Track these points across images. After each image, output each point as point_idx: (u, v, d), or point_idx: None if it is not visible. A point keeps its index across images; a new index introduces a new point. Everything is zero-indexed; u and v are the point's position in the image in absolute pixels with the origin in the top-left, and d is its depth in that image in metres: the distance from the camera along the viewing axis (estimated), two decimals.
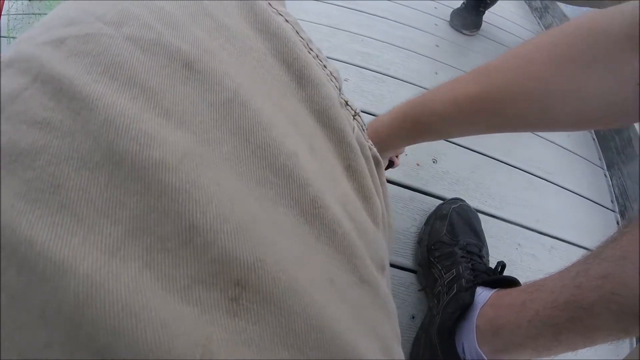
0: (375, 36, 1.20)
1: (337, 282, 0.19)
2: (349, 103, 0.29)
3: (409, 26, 1.30)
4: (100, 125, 0.17)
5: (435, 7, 1.45)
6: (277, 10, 0.27)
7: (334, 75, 0.28)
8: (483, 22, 1.39)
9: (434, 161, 0.91)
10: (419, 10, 1.39)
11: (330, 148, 0.25)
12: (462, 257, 0.64)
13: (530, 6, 1.69)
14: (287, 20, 0.27)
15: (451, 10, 1.41)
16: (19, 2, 1.10)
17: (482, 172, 0.92)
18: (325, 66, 0.28)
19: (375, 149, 0.31)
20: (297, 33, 0.27)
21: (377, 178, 0.29)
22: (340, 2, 1.27)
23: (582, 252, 0.85)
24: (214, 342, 0.15)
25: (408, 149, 0.91)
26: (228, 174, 0.18)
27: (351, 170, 0.25)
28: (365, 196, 0.25)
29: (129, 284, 0.14)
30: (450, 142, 0.96)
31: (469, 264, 0.62)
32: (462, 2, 1.39)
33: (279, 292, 0.16)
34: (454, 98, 0.45)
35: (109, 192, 0.16)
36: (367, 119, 0.97)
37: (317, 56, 0.28)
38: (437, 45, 1.26)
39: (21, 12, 1.10)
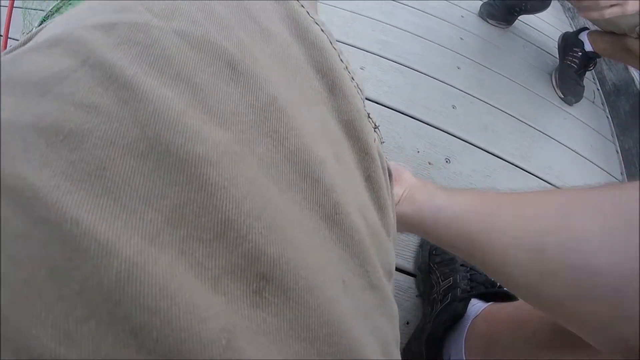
0: (397, 24, 1.15)
1: (348, 284, 0.20)
2: (370, 116, 0.31)
3: (434, 16, 1.24)
4: (148, 116, 0.18)
5: None
6: (314, 19, 0.28)
7: (360, 87, 0.29)
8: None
9: (447, 161, 0.87)
10: (446, 0, 1.33)
11: (353, 158, 0.25)
12: (462, 265, 0.62)
13: (563, 6, 1.60)
14: (322, 30, 0.28)
15: (481, 2, 1.34)
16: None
17: (497, 176, 0.88)
18: (353, 78, 0.29)
19: (388, 162, 0.32)
20: (331, 43, 0.28)
21: (390, 190, 0.30)
22: None
23: None
24: (238, 330, 0.15)
25: (421, 146, 0.87)
26: (261, 174, 0.19)
27: (370, 180, 0.26)
28: (380, 206, 0.26)
29: (166, 269, 0.15)
30: (465, 141, 0.92)
31: (467, 274, 0.60)
32: None
33: (299, 289, 0.17)
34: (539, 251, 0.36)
35: (152, 181, 0.17)
36: (379, 110, 0.97)
37: (347, 67, 0.29)
38: (461, 39, 1.20)
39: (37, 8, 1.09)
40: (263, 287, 0.17)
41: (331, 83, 0.26)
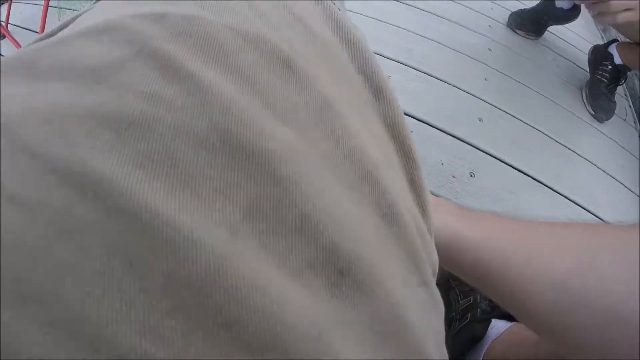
0: (424, 33, 1.13)
1: (407, 281, 0.20)
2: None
3: (461, 25, 1.22)
4: (217, 110, 0.17)
5: (492, 8, 1.36)
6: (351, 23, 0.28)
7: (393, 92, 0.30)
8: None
9: (472, 175, 0.84)
10: (473, 10, 1.30)
11: (398, 161, 0.26)
12: None
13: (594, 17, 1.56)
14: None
15: (509, 12, 1.31)
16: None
17: (523, 194, 0.85)
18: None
19: None
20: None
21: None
22: None
23: None
24: (325, 322, 0.15)
25: (446, 158, 0.85)
26: (327, 173, 0.19)
27: (414, 184, 0.26)
28: (423, 209, 0.26)
29: (251, 262, 0.15)
30: (491, 155, 0.89)
31: None
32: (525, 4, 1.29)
33: (371, 283, 0.17)
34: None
35: (227, 173, 0.16)
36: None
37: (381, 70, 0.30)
38: (489, 49, 1.17)
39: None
40: (341, 281, 0.17)
41: (375, 86, 0.25)
